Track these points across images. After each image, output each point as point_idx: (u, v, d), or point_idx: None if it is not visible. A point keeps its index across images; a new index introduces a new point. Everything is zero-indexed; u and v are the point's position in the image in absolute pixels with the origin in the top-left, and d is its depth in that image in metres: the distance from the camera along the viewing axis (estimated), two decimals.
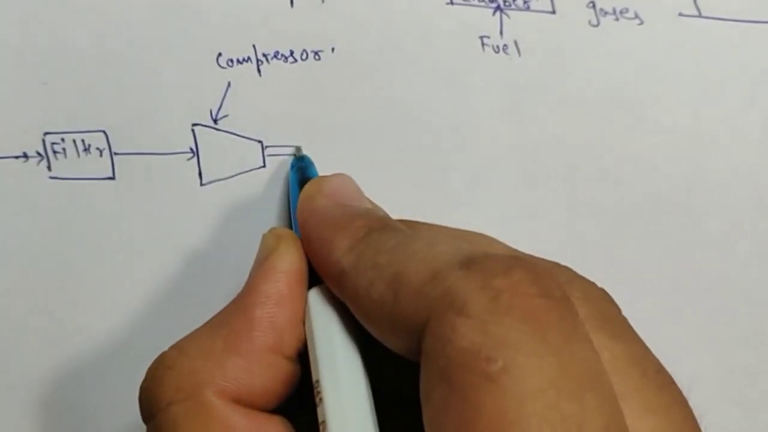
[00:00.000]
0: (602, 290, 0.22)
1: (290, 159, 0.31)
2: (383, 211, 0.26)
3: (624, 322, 0.22)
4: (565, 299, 0.19)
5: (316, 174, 0.29)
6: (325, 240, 0.23)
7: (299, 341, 0.23)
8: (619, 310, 0.22)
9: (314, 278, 0.24)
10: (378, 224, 0.23)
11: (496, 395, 0.17)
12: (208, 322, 0.24)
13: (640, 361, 0.20)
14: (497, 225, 0.32)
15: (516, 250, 0.25)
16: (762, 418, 0.32)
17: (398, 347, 0.20)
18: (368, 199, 0.26)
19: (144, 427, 0.23)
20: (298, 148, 0.31)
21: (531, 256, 0.24)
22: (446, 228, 0.26)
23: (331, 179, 0.26)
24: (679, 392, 0.21)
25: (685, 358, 0.32)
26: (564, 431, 0.17)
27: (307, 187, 0.26)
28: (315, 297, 0.23)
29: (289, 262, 0.24)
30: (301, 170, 0.30)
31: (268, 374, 0.22)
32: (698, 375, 0.32)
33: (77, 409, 0.32)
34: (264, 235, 0.26)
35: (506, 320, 0.18)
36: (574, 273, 0.23)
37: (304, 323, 0.23)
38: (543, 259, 0.24)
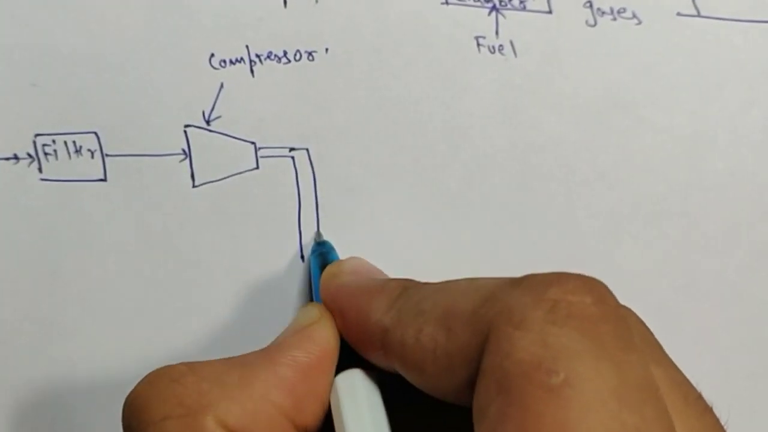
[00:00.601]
0: (634, 312, 0.22)
1: (311, 244, 0.31)
2: None
3: (660, 345, 0.22)
4: (617, 307, 0.19)
5: (337, 257, 0.29)
6: (361, 306, 0.23)
7: (313, 418, 0.23)
8: (651, 333, 0.22)
9: (341, 365, 0.24)
10: (410, 282, 0.23)
11: (558, 407, 0.17)
12: (226, 358, 0.23)
13: (681, 386, 0.21)
14: (492, 226, 0.32)
15: None
16: (759, 423, 0.32)
17: (454, 387, 0.20)
18: (386, 274, 0.27)
19: None
20: (319, 234, 0.31)
21: None
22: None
23: (350, 260, 0.27)
24: (718, 420, 0.21)
25: (684, 362, 0.32)
26: None
27: (328, 268, 0.26)
28: (344, 383, 0.23)
29: (327, 339, 0.24)
30: (323, 255, 0.30)
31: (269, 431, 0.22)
32: (696, 378, 0.32)
33: (67, 414, 0.31)
34: (306, 306, 0.26)
35: (565, 331, 0.18)
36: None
37: (329, 405, 0.23)
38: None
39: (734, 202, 0.32)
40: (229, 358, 0.23)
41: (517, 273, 0.32)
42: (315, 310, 0.25)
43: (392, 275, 0.31)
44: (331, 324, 0.24)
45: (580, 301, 0.18)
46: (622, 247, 0.32)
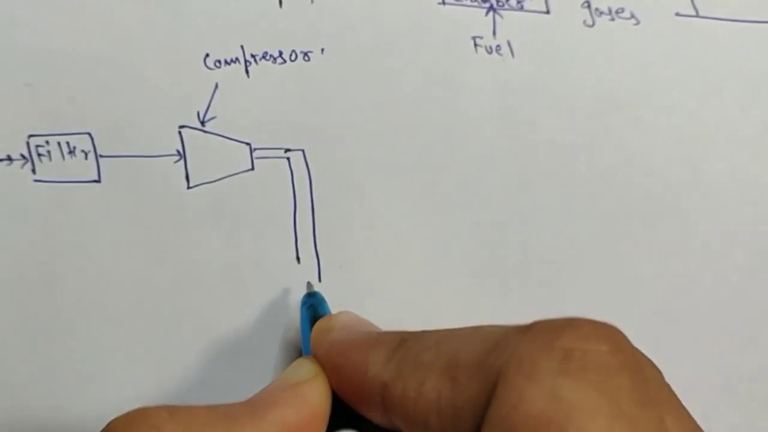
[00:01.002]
0: (646, 356, 0.21)
1: (301, 296, 0.30)
2: None
3: (672, 391, 0.21)
4: (633, 353, 0.18)
5: (328, 311, 0.28)
6: (358, 361, 0.22)
7: None
8: (663, 377, 0.21)
9: (332, 425, 0.23)
10: (408, 333, 0.22)
11: None
12: (210, 406, 0.22)
13: None
14: (490, 227, 0.32)
15: None
16: (760, 425, 0.32)
17: None
18: (379, 327, 0.25)
19: None
20: (309, 284, 0.31)
21: None
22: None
23: (341, 315, 0.25)
24: None
25: (683, 364, 0.32)
26: None
27: (318, 324, 0.25)
28: None
29: (319, 398, 0.23)
30: (313, 308, 0.29)
31: None
32: (696, 380, 0.32)
33: (62, 414, 0.31)
34: (299, 360, 0.24)
35: (578, 385, 0.17)
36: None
37: None
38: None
39: (734, 203, 0.32)
40: (213, 407, 0.22)
41: (515, 274, 0.32)
42: (308, 367, 0.23)
43: (387, 278, 0.31)
44: (324, 382, 0.23)
45: (595, 350, 0.18)
46: (621, 248, 0.32)
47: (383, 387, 0.21)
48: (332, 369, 0.23)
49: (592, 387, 0.17)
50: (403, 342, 0.21)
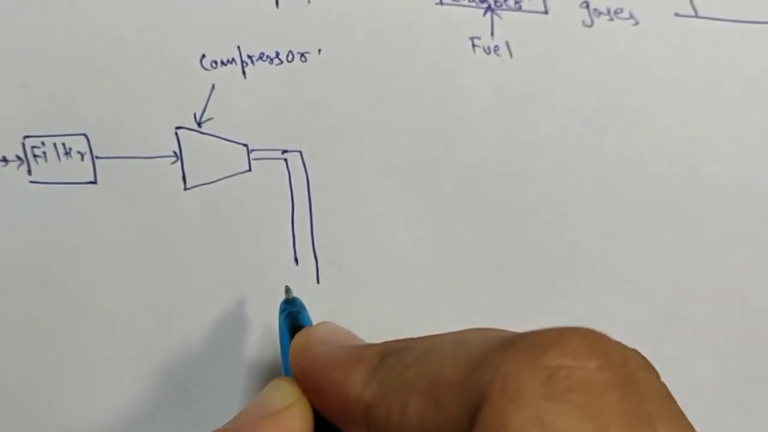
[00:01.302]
0: (642, 356, 0.20)
1: (280, 301, 0.28)
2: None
3: (670, 396, 0.20)
4: (623, 365, 0.17)
5: (307, 320, 0.27)
6: (337, 381, 0.21)
7: None
8: (660, 380, 0.20)
9: None
10: (389, 348, 0.21)
11: None
12: None
13: None
14: (487, 229, 0.32)
15: None
16: (758, 426, 0.32)
17: None
18: (361, 339, 0.24)
19: None
20: (288, 289, 0.29)
21: None
22: (457, 331, 0.23)
23: (318, 327, 0.24)
24: None
25: (682, 365, 0.32)
26: None
27: (296, 339, 0.24)
28: None
29: (301, 427, 0.22)
30: (291, 316, 0.27)
31: None
32: (695, 381, 0.32)
33: (58, 415, 0.31)
34: (277, 382, 0.23)
35: (564, 408, 0.16)
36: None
37: None
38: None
39: (732, 204, 0.32)
40: None
41: (513, 275, 0.32)
42: (288, 390, 0.23)
43: (386, 279, 0.31)
44: (305, 407, 0.22)
45: (581, 368, 0.17)
46: (620, 249, 0.32)
47: (366, 408, 0.20)
48: (312, 389, 0.22)
49: (578, 410, 0.16)
50: (384, 359, 0.21)
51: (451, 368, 0.18)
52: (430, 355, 0.19)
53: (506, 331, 0.19)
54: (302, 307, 0.28)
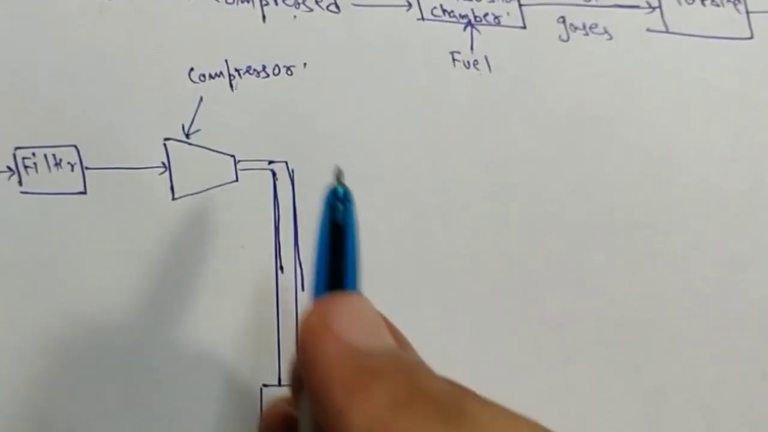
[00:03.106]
0: None
1: (325, 190, 0.23)
2: (410, 350, 0.23)
3: None
4: None
5: (353, 222, 0.22)
6: (337, 407, 0.19)
7: None
8: None
9: None
10: (404, 389, 0.19)
11: None
12: None
13: None
14: (466, 239, 0.32)
15: None
16: (724, 429, 0.32)
17: None
18: (388, 328, 0.22)
19: None
20: (339, 171, 0.23)
21: None
22: (503, 410, 0.20)
23: (341, 308, 0.21)
24: None
25: (651, 369, 0.32)
26: None
27: (311, 316, 0.21)
28: None
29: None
30: (335, 210, 0.22)
31: None
32: (664, 385, 0.32)
33: (49, 422, 0.31)
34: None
35: None
36: None
37: None
38: None
39: (702, 215, 0.32)
40: None
41: (493, 280, 0.32)
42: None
43: (371, 286, 0.31)
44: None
45: None
46: (594, 259, 0.32)
47: None
48: (312, 395, 0.20)
49: None
50: (393, 409, 0.18)
51: None
52: None
53: None
54: (351, 203, 0.23)
